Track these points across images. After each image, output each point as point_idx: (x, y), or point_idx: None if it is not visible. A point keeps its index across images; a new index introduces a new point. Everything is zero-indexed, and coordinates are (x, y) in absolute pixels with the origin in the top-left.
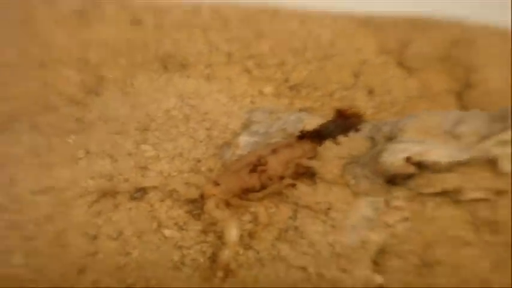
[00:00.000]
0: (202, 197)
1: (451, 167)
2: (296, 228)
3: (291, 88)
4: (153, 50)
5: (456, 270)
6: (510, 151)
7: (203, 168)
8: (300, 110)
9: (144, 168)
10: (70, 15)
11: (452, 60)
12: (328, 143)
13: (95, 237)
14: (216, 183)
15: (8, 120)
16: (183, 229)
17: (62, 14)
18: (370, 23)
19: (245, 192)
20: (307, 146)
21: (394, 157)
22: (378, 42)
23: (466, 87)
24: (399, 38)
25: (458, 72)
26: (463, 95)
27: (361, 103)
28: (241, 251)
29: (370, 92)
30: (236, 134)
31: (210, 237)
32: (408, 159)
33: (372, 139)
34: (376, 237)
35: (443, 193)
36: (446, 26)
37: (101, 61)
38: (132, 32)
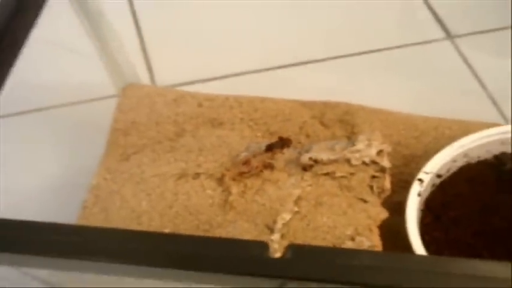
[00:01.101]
0: (223, 175)
1: (329, 162)
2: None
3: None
4: None
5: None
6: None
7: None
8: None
9: None
10: None
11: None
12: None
13: None
14: (228, 169)
15: None
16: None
17: None
18: None
19: (241, 174)
20: (270, 153)
21: (305, 157)
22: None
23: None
24: None
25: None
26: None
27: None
28: None
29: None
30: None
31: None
32: (310, 158)
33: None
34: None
35: (326, 174)
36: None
37: None
38: None
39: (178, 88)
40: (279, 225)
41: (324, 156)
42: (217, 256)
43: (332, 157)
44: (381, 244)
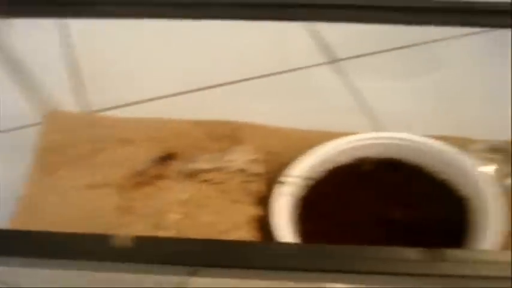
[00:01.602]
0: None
1: (209, 170)
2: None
3: None
4: None
5: None
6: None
7: None
8: None
9: None
10: None
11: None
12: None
13: None
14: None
15: None
16: None
17: None
18: None
19: (138, 184)
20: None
21: (189, 167)
22: None
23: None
24: None
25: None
26: None
27: None
28: None
29: None
30: None
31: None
32: (193, 168)
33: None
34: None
35: (207, 181)
36: None
37: None
38: None
39: (96, 113)
40: (166, 223)
41: (204, 166)
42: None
43: (211, 166)
44: (260, 236)
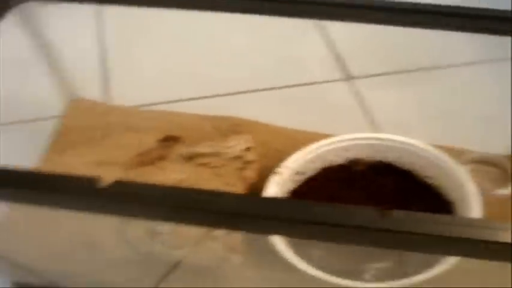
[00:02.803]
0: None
1: (207, 155)
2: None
3: None
4: None
5: None
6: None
7: None
8: None
9: None
10: None
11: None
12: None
13: None
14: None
15: None
16: None
17: None
18: None
19: (140, 163)
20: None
21: (188, 150)
22: None
23: None
24: None
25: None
26: None
27: None
28: None
29: None
30: None
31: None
32: (191, 152)
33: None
34: None
35: (204, 164)
36: None
37: None
38: None
39: (113, 104)
40: None
41: (203, 150)
42: None
43: (209, 151)
44: None
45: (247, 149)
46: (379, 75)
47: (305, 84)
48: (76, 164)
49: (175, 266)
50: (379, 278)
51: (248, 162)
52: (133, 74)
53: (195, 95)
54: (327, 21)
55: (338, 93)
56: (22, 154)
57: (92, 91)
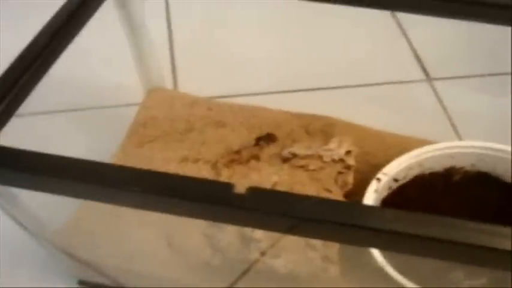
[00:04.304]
0: (216, 161)
1: (305, 157)
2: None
3: None
4: None
5: None
6: None
7: None
8: None
9: None
10: None
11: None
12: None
13: None
14: (222, 157)
15: None
16: None
17: None
18: None
19: (231, 162)
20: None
21: (285, 151)
22: None
23: None
24: None
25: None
26: None
27: None
28: None
29: None
30: None
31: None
32: (289, 152)
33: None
34: None
35: (301, 166)
36: None
37: None
38: None
39: (196, 96)
40: None
41: (301, 151)
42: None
43: (308, 152)
44: None
45: (348, 152)
46: (463, 77)
47: (386, 83)
48: (155, 158)
49: (270, 273)
50: None
51: (348, 167)
52: (213, 64)
53: (275, 88)
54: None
55: (422, 95)
56: (96, 142)
57: (167, 81)
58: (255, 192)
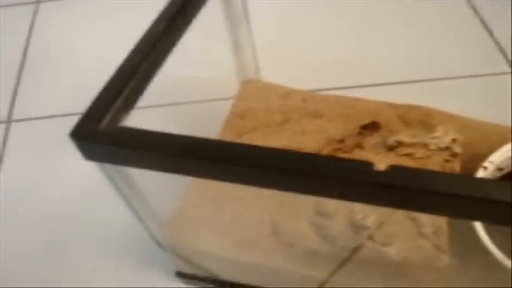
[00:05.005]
0: (320, 150)
1: (411, 145)
2: None
3: None
4: None
5: None
6: None
7: None
8: None
9: None
10: None
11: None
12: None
13: None
14: (325, 146)
15: None
16: None
17: None
18: None
19: (335, 150)
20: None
21: (391, 139)
22: None
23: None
24: None
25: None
26: None
27: None
28: None
29: None
30: None
31: None
32: (395, 140)
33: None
34: None
35: (407, 155)
36: None
37: None
38: None
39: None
40: None
41: (406, 139)
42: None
43: (413, 141)
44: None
45: (453, 140)
46: None
47: (472, 76)
48: None
49: (380, 261)
50: None
51: (454, 155)
52: (300, 60)
53: (365, 82)
54: None
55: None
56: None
57: (265, 72)
58: (396, 169)
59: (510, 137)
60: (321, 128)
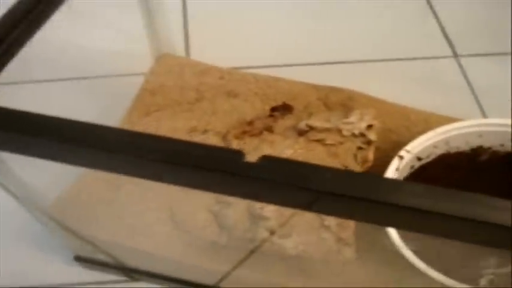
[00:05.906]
0: (227, 132)
1: (323, 130)
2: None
3: None
4: None
5: None
6: None
7: None
8: None
9: None
10: None
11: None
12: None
13: None
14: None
15: None
16: None
17: None
18: None
19: (243, 133)
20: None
21: (302, 123)
22: None
23: None
24: None
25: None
26: None
27: None
28: None
29: None
30: None
31: None
32: (306, 124)
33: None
34: None
35: (318, 140)
36: None
37: None
38: None
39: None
40: None
41: (318, 124)
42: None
43: (326, 125)
44: None
45: (369, 127)
46: (490, 54)
47: (412, 58)
48: (162, 128)
49: (279, 255)
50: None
51: (369, 143)
52: (228, 34)
53: (292, 61)
54: None
55: (448, 71)
56: (102, 111)
57: (178, 49)
58: (268, 161)
59: (433, 125)
60: (235, 108)
